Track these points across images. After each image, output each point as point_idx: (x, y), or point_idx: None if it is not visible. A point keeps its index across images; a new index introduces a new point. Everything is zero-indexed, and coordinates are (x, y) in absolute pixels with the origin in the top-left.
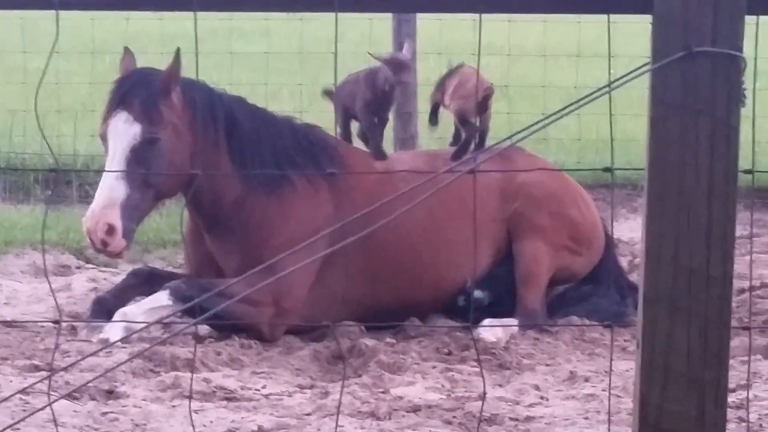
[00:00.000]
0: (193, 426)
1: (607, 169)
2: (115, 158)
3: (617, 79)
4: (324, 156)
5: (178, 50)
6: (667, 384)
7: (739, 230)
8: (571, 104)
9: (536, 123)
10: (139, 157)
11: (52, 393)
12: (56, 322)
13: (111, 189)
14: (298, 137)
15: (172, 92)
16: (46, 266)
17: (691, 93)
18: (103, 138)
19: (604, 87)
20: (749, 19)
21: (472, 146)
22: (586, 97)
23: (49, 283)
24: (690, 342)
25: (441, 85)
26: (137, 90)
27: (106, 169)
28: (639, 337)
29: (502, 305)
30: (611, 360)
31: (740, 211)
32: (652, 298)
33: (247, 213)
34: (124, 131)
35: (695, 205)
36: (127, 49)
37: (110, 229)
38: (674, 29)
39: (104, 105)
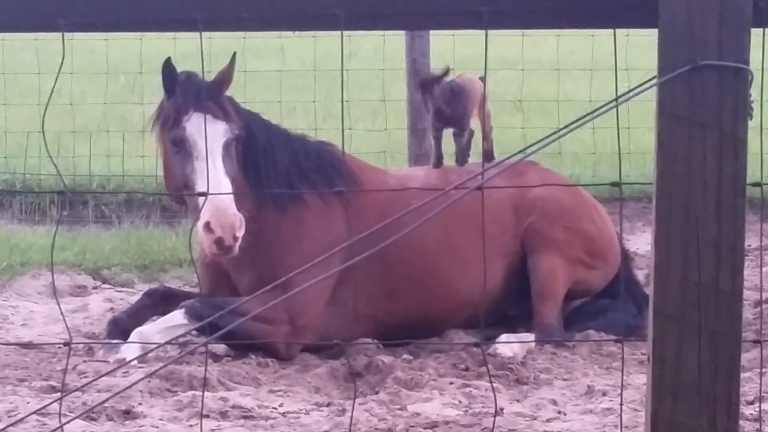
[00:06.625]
0: None
1: (615, 184)
2: (212, 156)
3: (624, 93)
4: (336, 173)
5: (234, 55)
6: (678, 398)
7: (755, 242)
8: (580, 118)
9: (547, 137)
10: (229, 153)
11: (70, 413)
12: (67, 344)
13: (221, 186)
14: (310, 154)
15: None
16: (56, 287)
17: (697, 106)
18: (177, 141)
19: (612, 101)
20: (756, 30)
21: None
22: (594, 111)
23: (59, 304)
24: (701, 356)
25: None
26: (204, 91)
27: (207, 166)
28: (649, 351)
29: None
30: (622, 374)
31: (754, 223)
32: (662, 312)
33: (259, 230)
34: (212, 130)
35: (703, 218)
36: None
37: (240, 222)
38: (680, 43)
39: (160, 110)
